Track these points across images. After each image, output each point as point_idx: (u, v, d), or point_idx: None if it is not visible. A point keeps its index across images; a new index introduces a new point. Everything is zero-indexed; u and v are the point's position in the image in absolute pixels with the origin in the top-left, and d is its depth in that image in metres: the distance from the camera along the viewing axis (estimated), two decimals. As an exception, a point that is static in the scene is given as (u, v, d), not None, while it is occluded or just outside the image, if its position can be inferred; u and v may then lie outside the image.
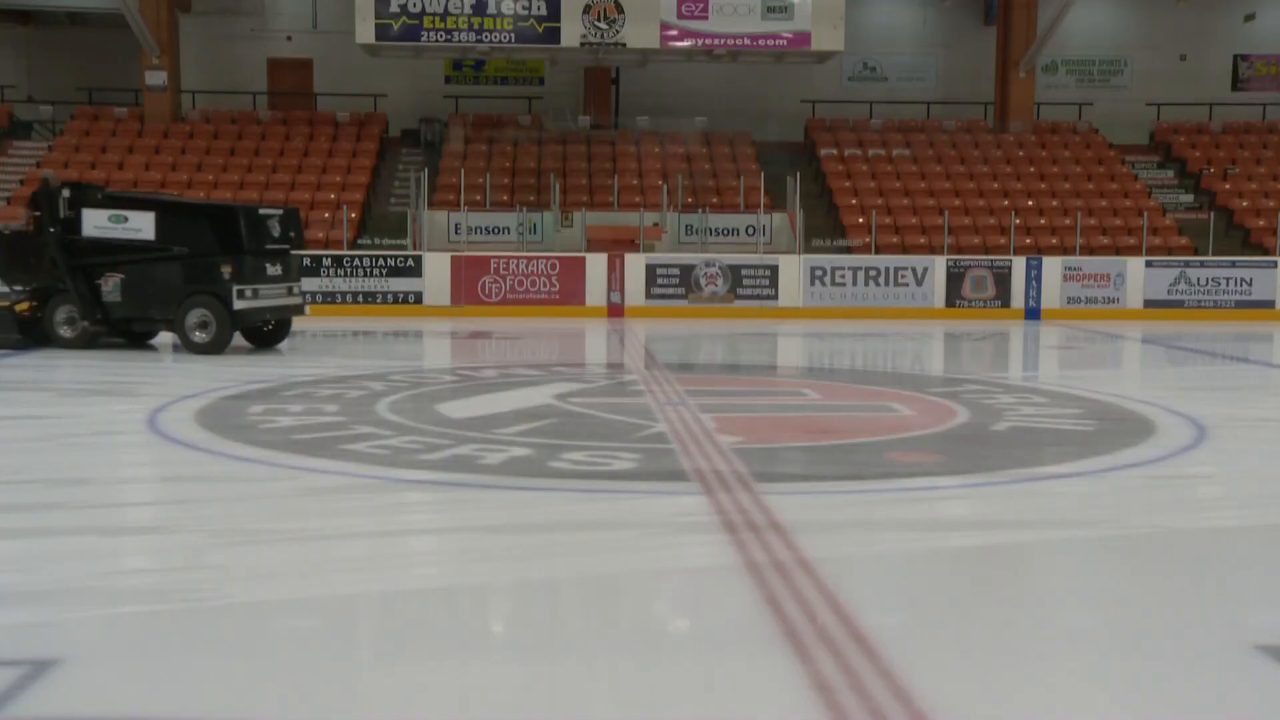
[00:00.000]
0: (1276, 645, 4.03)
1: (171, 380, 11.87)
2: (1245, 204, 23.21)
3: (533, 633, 4.26)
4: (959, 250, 21.23)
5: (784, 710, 3.46)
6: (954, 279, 20.42)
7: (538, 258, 20.24)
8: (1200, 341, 16.68)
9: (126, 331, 13.61)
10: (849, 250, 21.35)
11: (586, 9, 21.90)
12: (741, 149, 24.54)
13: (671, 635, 4.33)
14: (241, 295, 12.66)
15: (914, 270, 20.46)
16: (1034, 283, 20.47)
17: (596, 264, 20.11)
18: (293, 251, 13.69)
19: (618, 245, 20.51)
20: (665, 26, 22.14)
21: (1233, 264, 20.79)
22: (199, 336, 12.74)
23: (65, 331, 13.20)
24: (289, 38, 26.86)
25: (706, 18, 22.16)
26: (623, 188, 22.63)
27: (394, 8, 21.70)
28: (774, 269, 20.30)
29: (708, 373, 12.62)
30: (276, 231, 13.26)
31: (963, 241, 21.59)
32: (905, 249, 21.45)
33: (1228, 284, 20.58)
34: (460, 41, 22.09)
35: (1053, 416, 8.97)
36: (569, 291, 20.06)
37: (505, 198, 22.47)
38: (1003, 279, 20.49)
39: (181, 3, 25.54)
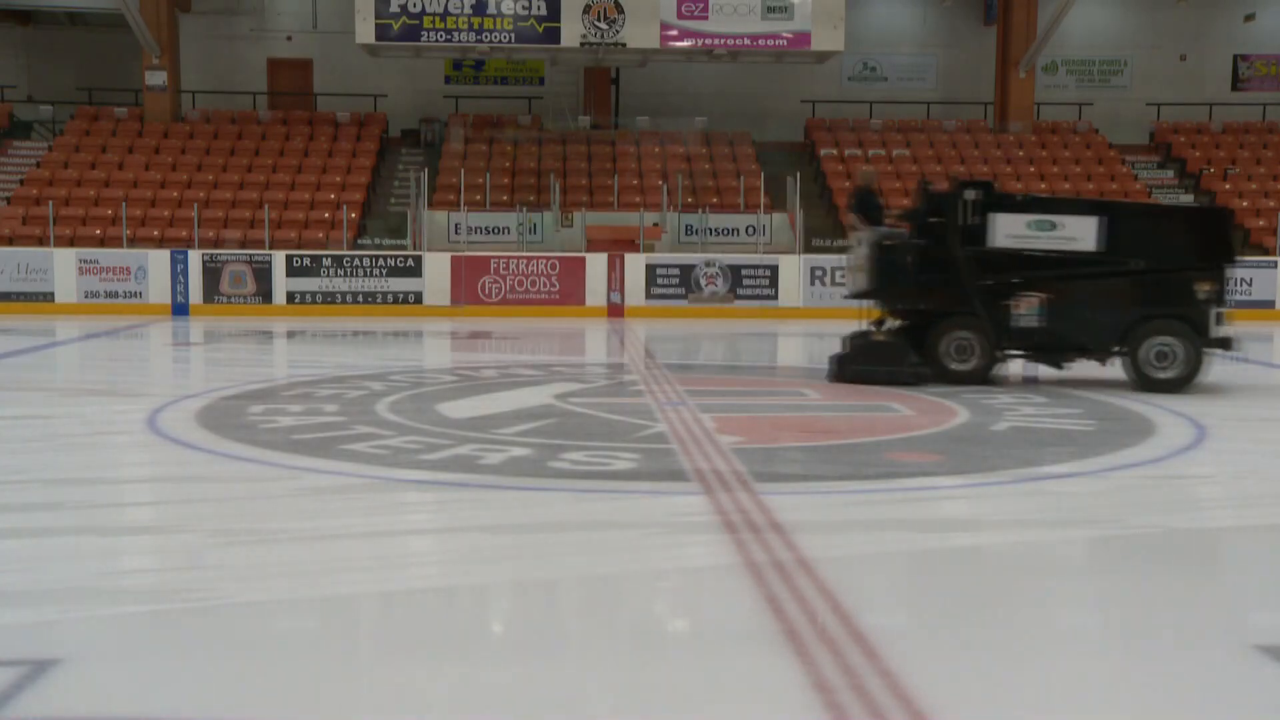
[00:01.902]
0: (1276, 645, 4.03)
1: (171, 380, 11.88)
2: (1245, 204, 23.20)
3: (533, 633, 4.25)
4: (959, 250, 21.19)
5: (784, 710, 3.46)
6: (954, 279, 20.38)
7: (538, 258, 20.25)
8: (1200, 341, 16.62)
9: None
10: (849, 250, 21.31)
11: (586, 9, 21.90)
12: (741, 149, 24.53)
13: (671, 635, 4.32)
14: (1221, 320, 10.47)
15: (914, 270, 20.43)
16: (1034, 283, 20.41)
17: (596, 264, 20.12)
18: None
19: (618, 245, 20.52)
20: (665, 26, 22.14)
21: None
22: (1158, 372, 10.41)
23: (955, 363, 10.78)
24: (289, 38, 26.86)
25: (706, 18, 22.15)
26: (623, 188, 22.63)
27: (394, 8, 21.70)
28: (774, 269, 20.31)
29: (708, 373, 12.61)
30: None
31: (963, 241, 21.54)
32: (905, 249, 21.40)
33: (1228, 284, 20.53)
34: (460, 41, 22.09)
35: (1053, 416, 8.97)
36: (569, 291, 20.07)
37: (505, 198, 22.47)
38: (1003, 279, 20.44)
39: (181, 3, 25.54)
